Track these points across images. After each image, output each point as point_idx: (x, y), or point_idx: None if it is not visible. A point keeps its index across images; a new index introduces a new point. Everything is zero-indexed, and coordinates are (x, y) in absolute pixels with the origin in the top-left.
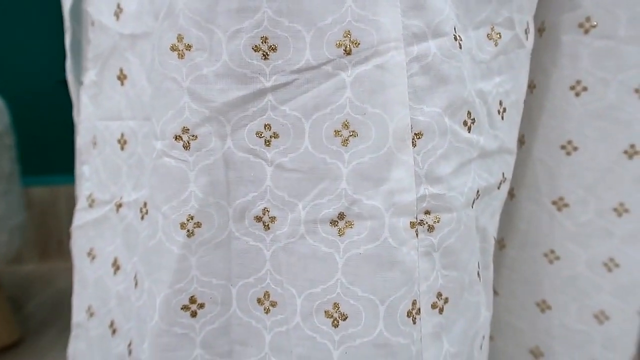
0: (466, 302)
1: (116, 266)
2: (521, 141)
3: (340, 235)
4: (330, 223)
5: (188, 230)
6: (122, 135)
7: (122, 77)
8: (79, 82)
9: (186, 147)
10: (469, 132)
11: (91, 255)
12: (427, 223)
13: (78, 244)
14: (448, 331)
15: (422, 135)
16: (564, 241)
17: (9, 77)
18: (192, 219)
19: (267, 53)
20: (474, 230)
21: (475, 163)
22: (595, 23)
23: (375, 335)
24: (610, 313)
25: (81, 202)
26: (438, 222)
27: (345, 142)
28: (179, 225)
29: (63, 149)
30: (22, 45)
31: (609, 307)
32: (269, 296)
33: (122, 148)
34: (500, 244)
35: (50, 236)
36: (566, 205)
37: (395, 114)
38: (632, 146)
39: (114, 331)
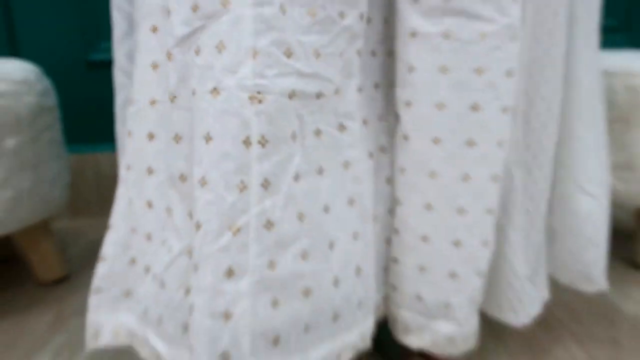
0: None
1: None
2: None
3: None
4: (210, 92)
5: None
6: None
7: None
8: None
9: None
10: (288, 58)
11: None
12: (257, 98)
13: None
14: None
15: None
16: None
17: (42, 53)
18: None
19: None
20: (292, 114)
21: (295, 76)
22: None
23: None
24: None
25: None
26: (266, 97)
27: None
28: None
29: (88, 123)
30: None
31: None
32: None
33: None
34: None
35: (78, 198)
36: None
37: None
38: None
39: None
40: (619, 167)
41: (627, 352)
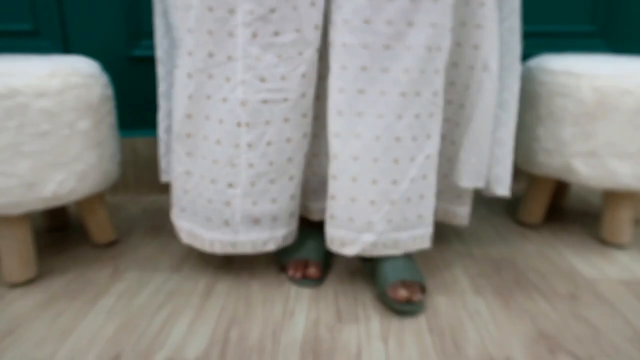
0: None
1: None
2: None
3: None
4: (222, 100)
5: None
6: None
7: None
8: None
9: None
10: (262, 82)
11: None
12: (244, 104)
13: None
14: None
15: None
16: None
17: (90, 49)
18: None
19: None
20: (266, 111)
21: (265, 92)
22: None
23: None
24: None
25: None
26: (248, 104)
27: None
28: None
29: (127, 111)
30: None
31: None
32: None
33: None
34: None
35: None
36: None
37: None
38: None
39: None
40: (587, 154)
41: (583, 304)
